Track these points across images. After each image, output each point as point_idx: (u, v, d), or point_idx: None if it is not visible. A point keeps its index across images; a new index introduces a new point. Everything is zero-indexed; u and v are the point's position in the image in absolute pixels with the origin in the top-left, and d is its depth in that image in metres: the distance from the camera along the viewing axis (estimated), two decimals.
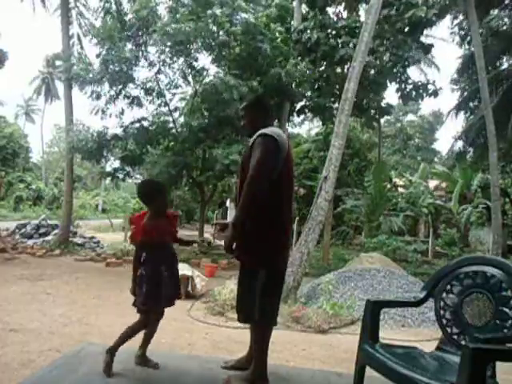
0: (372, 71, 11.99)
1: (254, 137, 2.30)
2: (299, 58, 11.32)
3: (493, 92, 12.16)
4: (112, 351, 2.46)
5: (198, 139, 10.98)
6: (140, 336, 2.56)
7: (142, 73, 10.95)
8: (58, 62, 32.22)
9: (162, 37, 9.99)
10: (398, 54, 11.48)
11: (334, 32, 11.33)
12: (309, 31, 11.33)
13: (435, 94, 12.24)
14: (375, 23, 7.53)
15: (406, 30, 11.31)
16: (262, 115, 2.50)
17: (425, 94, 12.27)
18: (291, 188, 2.44)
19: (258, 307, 2.21)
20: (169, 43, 10.32)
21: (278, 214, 2.29)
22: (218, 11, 9.63)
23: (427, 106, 64.37)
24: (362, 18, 11.80)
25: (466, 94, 14.66)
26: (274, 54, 10.49)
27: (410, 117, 36.95)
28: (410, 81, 12.39)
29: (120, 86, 10.77)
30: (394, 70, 11.95)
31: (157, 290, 2.45)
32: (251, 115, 2.51)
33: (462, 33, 13.48)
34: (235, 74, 10.31)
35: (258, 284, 2.23)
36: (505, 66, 14.03)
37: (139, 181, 19.20)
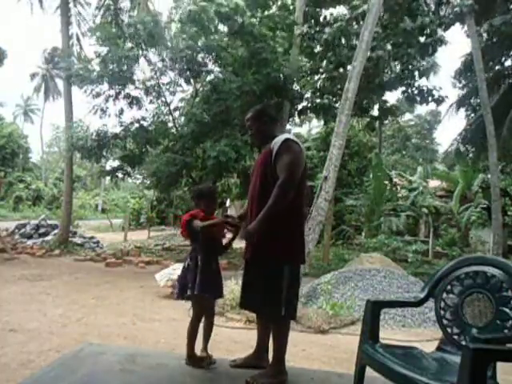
0: (377, 74, 11.99)
1: (278, 142, 2.37)
2: (301, 57, 11.34)
3: (495, 90, 12.14)
4: (190, 359, 2.58)
5: (197, 139, 10.98)
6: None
7: (141, 72, 10.98)
8: (56, 59, 32.20)
9: (167, 50, 10.06)
10: (405, 60, 11.50)
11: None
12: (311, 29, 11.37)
13: (440, 101, 12.22)
14: (375, 23, 7.54)
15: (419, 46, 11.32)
16: (268, 124, 2.57)
17: (430, 99, 12.26)
18: (305, 190, 2.57)
19: (285, 303, 2.31)
20: (172, 57, 10.39)
21: (298, 214, 2.43)
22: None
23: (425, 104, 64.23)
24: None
25: (466, 91, 14.65)
26: (274, 56, 10.49)
27: (408, 116, 36.92)
28: (417, 85, 12.38)
29: (120, 86, 10.75)
30: (403, 78, 11.98)
31: (211, 278, 2.60)
32: (258, 125, 2.57)
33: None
34: (236, 73, 10.31)
35: (284, 281, 2.32)
36: (508, 64, 13.99)
37: (140, 180, 19.22)
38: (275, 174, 2.32)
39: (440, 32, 11.29)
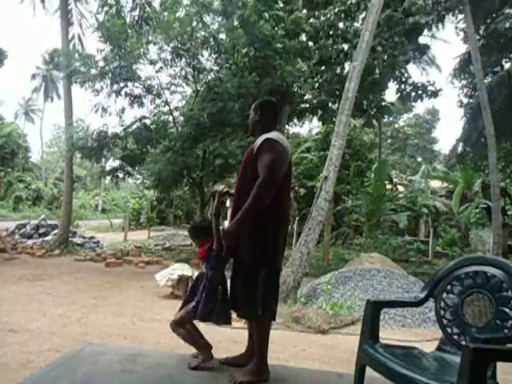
0: (371, 71, 12.02)
1: (259, 141, 2.36)
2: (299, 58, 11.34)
3: (501, 90, 12.10)
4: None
5: (198, 139, 10.98)
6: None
7: (143, 71, 11.01)
8: (56, 59, 32.20)
9: (164, 38, 10.03)
10: (395, 55, 11.49)
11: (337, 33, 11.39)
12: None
13: (435, 95, 12.24)
14: (376, 22, 7.53)
15: (404, 31, 11.31)
16: (269, 119, 2.55)
17: (424, 95, 12.30)
18: (290, 191, 2.56)
19: (261, 304, 2.32)
20: (170, 44, 10.34)
21: (278, 216, 2.39)
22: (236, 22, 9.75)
23: (422, 103, 64.42)
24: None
25: (465, 91, 14.66)
26: (277, 61, 10.48)
27: (406, 116, 36.88)
28: (409, 81, 12.41)
29: (122, 84, 10.74)
30: (394, 70, 11.96)
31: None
32: (258, 117, 2.55)
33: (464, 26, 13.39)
34: (235, 74, 10.29)
35: (260, 282, 2.32)
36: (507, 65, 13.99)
37: (140, 181, 19.23)
38: (255, 173, 2.30)
39: (427, 18, 11.21)
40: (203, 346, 2.55)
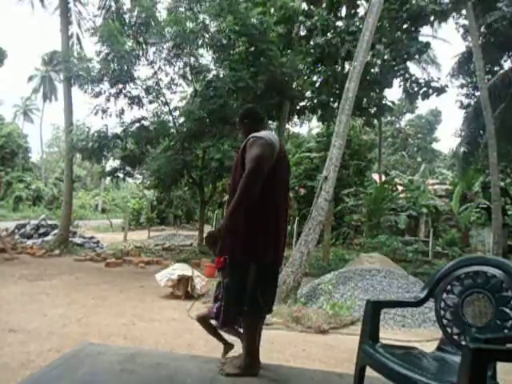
0: (372, 70, 11.99)
1: (244, 143, 2.45)
2: (301, 56, 11.34)
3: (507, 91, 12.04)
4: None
5: (195, 137, 10.97)
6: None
7: (142, 71, 11.09)
8: (56, 61, 32.19)
9: (161, 38, 10.04)
10: (396, 50, 11.45)
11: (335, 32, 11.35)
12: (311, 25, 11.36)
13: (442, 90, 12.08)
14: (376, 22, 7.53)
15: (405, 26, 11.27)
16: (254, 125, 2.64)
17: (431, 91, 12.15)
18: (284, 186, 2.54)
19: (249, 300, 2.34)
20: (168, 44, 10.36)
21: (268, 210, 2.39)
22: (229, 17, 9.72)
23: (425, 104, 64.50)
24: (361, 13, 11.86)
25: (465, 90, 14.66)
26: (274, 53, 10.46)
27: (408, 116, 36.89)
28: (413, 78, 12.30)
29: (121, 86, 10.75)
30: (395, 68, 11.92)
31: None
32: (245, 127, 2.67)
33: (466, 23, 13.32)
34: (233, 68, 10.27)
35: (250, 277, 2.34)
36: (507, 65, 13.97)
37: (140, 180, 19.20)
38: (244, 170, 2.34)
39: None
40: (222, 339, 2.73)
